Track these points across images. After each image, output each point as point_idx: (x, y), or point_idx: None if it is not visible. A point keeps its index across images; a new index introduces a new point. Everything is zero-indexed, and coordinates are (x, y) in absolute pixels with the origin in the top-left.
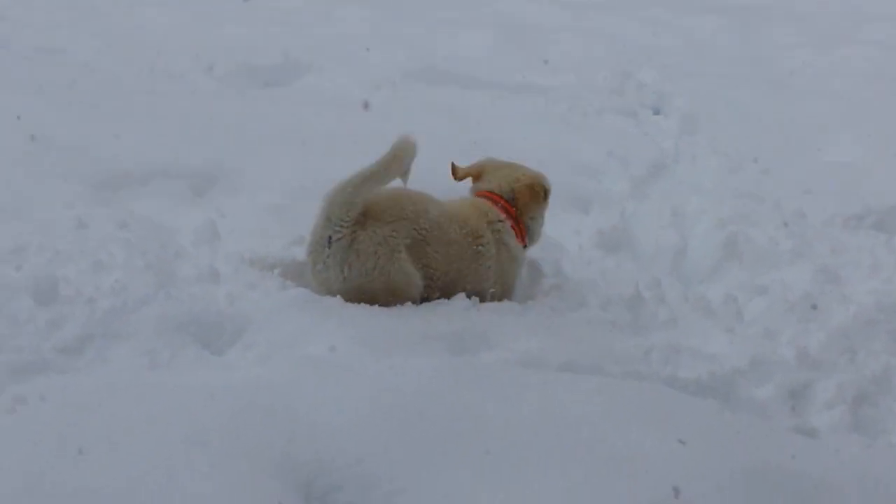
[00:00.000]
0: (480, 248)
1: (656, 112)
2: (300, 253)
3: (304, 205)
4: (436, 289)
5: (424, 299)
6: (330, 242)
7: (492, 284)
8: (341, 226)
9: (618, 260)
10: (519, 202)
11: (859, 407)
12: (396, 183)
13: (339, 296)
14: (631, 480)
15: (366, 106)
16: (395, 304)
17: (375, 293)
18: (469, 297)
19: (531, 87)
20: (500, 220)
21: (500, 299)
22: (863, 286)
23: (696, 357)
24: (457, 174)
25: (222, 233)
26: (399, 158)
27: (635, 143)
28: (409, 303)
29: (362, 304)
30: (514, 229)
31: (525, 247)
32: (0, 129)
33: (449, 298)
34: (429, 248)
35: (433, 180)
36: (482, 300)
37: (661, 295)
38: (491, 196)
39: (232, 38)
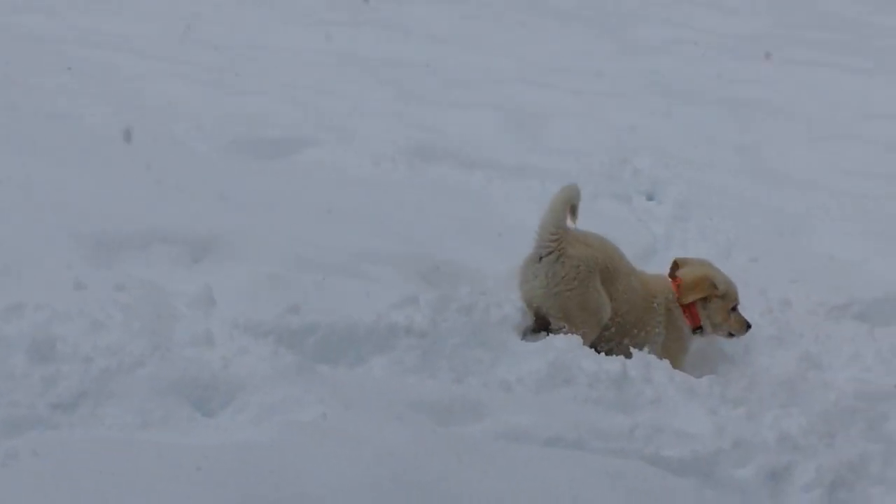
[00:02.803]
0: (654, 306)
1: (650, 198)
2: (294, 321)
3: (299, 275)
4: (610, 326)
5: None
6: (541, 259)
7: (658, 351)
8: (550, 243)
9: None
10: (681, 288)
11: (836, 491)
12: None
13: (540, 308)
14: None
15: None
16: (584, 324)
17: (570, 306)
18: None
19: (529, 168)
20: (672, 297)
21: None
22: (843, 374)
23: (679, 436)
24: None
25: (218, 298)
26: (570, 190)
27: (628, 228)
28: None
29: (360, 373)
30: (683, 311)
31: (695, 330)
32: (3, 190)
33: (613, 347)
34: (615, 284)
35: (424, 254)
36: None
37: (647, 375)
38: (675, 280)
39: (238, 110)
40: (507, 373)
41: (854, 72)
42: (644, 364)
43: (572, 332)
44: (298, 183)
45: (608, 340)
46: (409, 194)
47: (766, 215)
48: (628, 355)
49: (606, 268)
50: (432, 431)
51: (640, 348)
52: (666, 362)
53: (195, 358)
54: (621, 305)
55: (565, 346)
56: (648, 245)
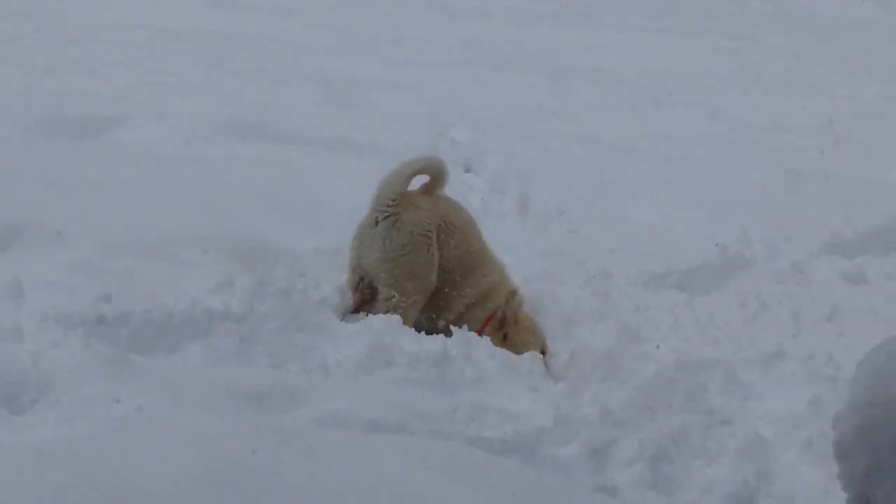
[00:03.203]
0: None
1: (467, 170)
2: (108, 310)
3: (111, 261)
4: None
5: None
6: (377, 222)
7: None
8: (387, 206)
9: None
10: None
11: (658, 464)
12: None
13: (369, 273)
14: None
15: None
16: (414, 292)
17: (401, 271)
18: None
19: (347, 143)
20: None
21: None
22: (663, 344)
23: (501, 415)
24: None
25: (27, 289)
26: (431, 161)
27: None
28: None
29: (176, 362)
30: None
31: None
32: None
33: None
34: (451, 241)
35: (240, 235)
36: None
37: (468, 353)
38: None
39: (43, 88)
40: (327, 356)
41: (666, 33)
42: (465, 342)
43: (402, 301)
44: (108, 164)
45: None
46: (224, 173)
47: (585, 184)
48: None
49: (440, 225)
50: (253, 420)
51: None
52: (487, 339)
53: (3, 353)
54: (451, 263)
55: (384, 326)
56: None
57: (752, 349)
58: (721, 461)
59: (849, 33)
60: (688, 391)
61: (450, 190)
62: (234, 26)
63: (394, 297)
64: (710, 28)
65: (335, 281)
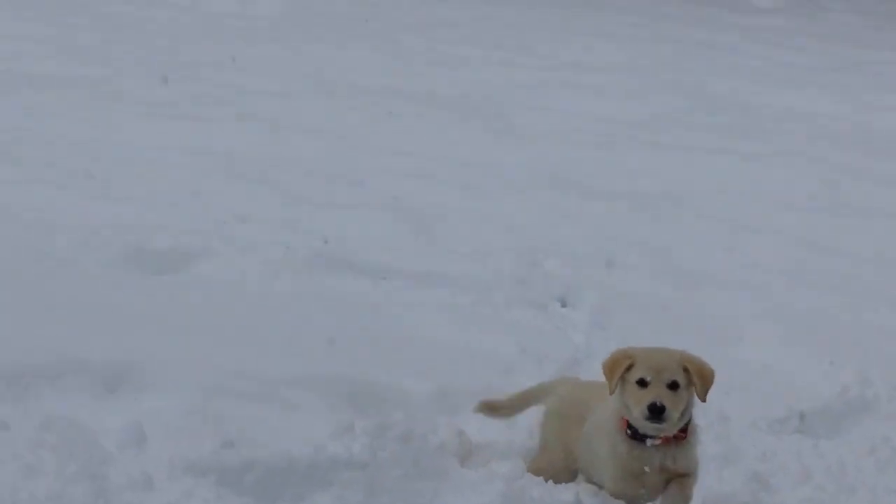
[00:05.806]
0: None
1: (563, 304)
2: (230, 457)
3: (225, 405)
4: None
5: None
6: None
7: None
8: None
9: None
10: None
11: None
12: None
13: None
14: None
15: None
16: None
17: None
18: None
19: (437, 275)
20: None
21: None
22: (796, 494)
23: None
24: None
25: (148, 434)
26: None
27: (547, 338)
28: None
29: None
30: None
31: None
32: None
33: None
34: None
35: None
36: None
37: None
38: None
39: (120, 219)
40: None
41: (749, 157)
42: (596, 492)
43: None
44: (196, 299)
45: None
46: (313, 309)
47: (689, 321)
48: None
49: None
50: None
51: None
52: None
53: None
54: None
55: (510, 474)
56: (570, 356)
57: (889, 499)
58: None
59: None
60: None
61: (548, 325)
62: (293, 152)
63: None
64: (787, 149)
65: (449, 424)
